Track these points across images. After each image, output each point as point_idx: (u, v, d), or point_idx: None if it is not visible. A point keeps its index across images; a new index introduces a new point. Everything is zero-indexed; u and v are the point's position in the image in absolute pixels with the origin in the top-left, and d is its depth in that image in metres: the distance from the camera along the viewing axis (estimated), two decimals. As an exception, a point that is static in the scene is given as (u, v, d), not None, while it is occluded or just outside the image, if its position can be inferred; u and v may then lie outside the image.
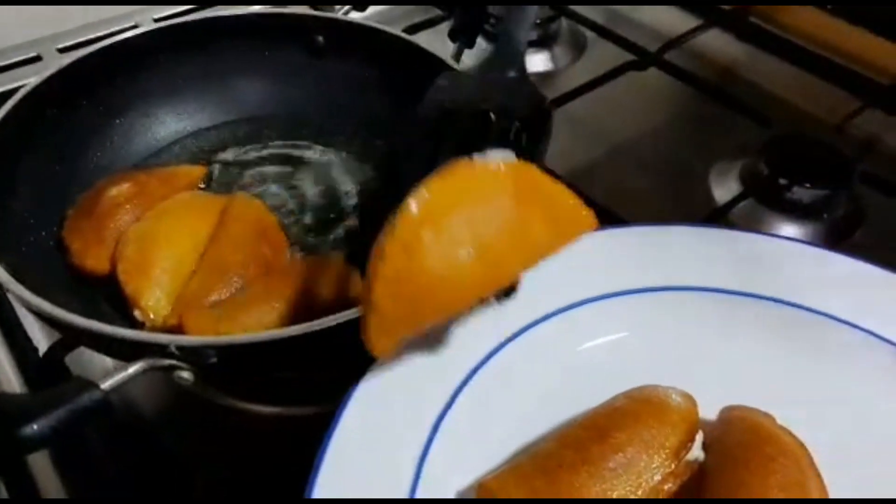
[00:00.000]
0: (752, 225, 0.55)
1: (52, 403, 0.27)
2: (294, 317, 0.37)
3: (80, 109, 0.48)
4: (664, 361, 0.38)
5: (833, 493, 0.32)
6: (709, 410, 0.35)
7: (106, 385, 0.29)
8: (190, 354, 0.32)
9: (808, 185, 0.55)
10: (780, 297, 0.40)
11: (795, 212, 0.55)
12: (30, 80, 0.60)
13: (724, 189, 0.58)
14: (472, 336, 0.36)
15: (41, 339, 0.44)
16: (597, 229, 0.37)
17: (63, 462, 0.39)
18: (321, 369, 0.39)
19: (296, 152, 0.52)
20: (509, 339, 0.37)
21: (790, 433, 0.34)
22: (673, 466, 0.32)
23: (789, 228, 0.55)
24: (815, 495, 0.31)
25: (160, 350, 0.31)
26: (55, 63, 0.60)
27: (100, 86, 0.49)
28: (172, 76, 0.52)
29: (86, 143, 0.48)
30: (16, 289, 0.33)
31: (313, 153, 0.52)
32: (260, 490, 0.39)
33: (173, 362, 0.32)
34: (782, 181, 0.55)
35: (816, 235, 0.55)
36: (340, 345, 0.34)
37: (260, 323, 0.36)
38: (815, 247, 0.44)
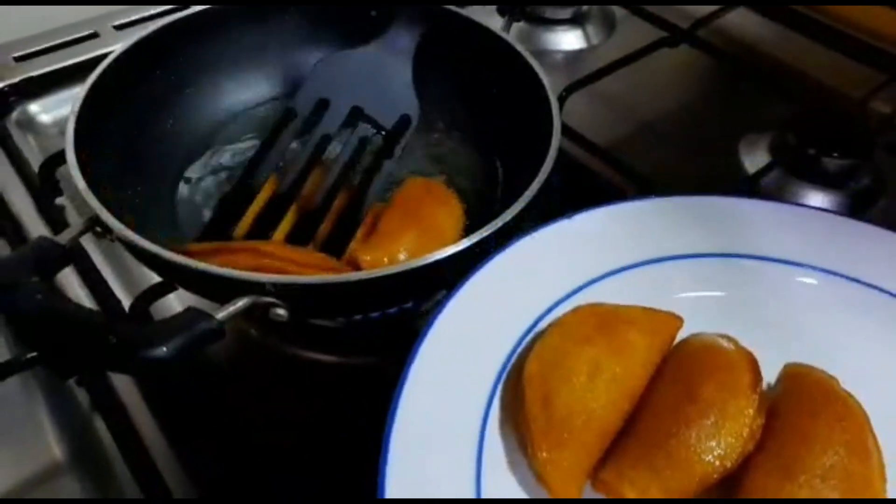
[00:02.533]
0: (780, 194, 0.57)
1: (175, 330, 0.31)
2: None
3: (153, 80, 0.51)
4: (725, 323, 0.39)
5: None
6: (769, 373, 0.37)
7: (220, 315, 0.32)
8: (283, 291, 0.35)
9: (835, 155, 0.57)
10: (834, 270, 0.42)
11: (822, 181, 0.57)
12: (89, 55, 0.65)
13: (753, 160, 0.60)
14: (545, 283, 0.39)
15: (122, 294, 0.47)
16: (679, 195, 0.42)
17: (150, 395, 0.42)
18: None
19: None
20: (578, 289, 0.40)
21: (853, 397, 0.35)
22: (756, 401, 0.34)
23: (816, 197, 0.57)
24: (875, 463, 0.33)
25: (258, 289, 0.35)
26: (112, 40, 0.64)
27: (171, 58, 0.51)
28: (236, 49, 0.54)
29: (160, 111, 0.51)
30: (131, 236, 0.36)
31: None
32: (320, 436, 0.42)
33: (271, 300, 0.35)
34: (811, 151, 0.57)
35: (842, 204, 0.57)
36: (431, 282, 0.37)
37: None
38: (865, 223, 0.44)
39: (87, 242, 0.49)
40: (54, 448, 0.42)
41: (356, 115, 0.48)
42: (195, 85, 0.53)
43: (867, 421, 0.34)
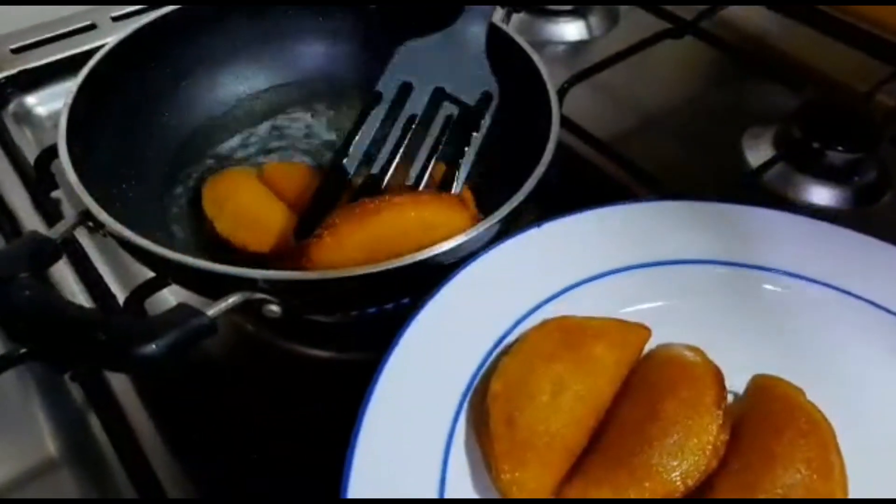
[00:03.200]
0: (784, 188, 0.57)
1: (164, 327, 0.30)
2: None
3: (149, 72, 0.50)
4: (694, 331, 0.39)
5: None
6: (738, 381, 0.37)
7: (211, 312, 0.32)
8: (275, 288, 0.35)
9: (840, 148, 0.56)
10: (805, 275, 0.41)
11: (826, 176, 0.57)
12: (86, 46, 0.64)
13: (757, 153, 0.60)
14: (511, 296, 0.39)
15: (117, 289, 0.47)
16: (636, 201, 0.42)
17: (145, 392, 0.42)
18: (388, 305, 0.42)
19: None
20: (545, 301, 0.39)
21: (818, 409, 0.35)
22: (720, 418, 0.34)
23: (820, 191, 0.57)
24: (837, 477, 0.33)
25: (251, 285, 0.34)
26: (110, 31, 0.64)
27: (167, 49, 0.51)
28: (232, 40, 0.54)
29: (156, 103, 0.50)
30: (122, 230, 0.36)
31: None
32: (313, 427, 0.41)
33: (264, 296, 0.34)
34: (815, 145, 0.57)
35: (846, 199, 0.57)
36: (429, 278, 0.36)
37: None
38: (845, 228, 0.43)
39: (83, 237, 0.49)
40: (49, 443, 0.42)
41: (439, 96, 0.48)
42: (191, 77, 0.52)
43: (832, 435, 0.34)
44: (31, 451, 0.41)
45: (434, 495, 0.32)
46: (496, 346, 0.37)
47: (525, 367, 0.35)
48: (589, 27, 0.73)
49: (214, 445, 0.41)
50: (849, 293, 0.40)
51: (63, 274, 0.48)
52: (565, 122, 0.58)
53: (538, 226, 0.41)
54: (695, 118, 0.64)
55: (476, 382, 0.36)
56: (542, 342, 0.37)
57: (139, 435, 0.40)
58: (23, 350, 0.40)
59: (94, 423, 0.41)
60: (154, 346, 0.29)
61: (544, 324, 0.38)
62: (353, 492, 0.30)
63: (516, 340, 0.37)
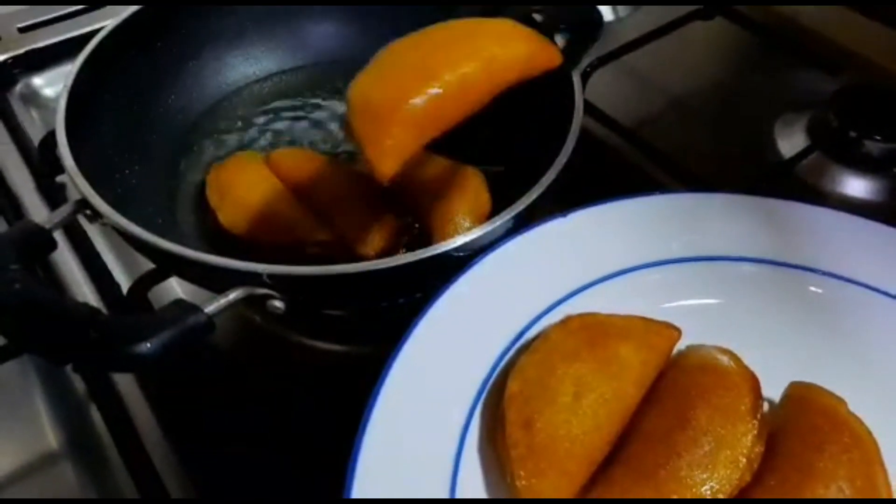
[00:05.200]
0: (818, 179, 0.54)
1: (161, 325, 0.29)
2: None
3: (155, 51, 0.49)
4: (727, 333, 0.37)
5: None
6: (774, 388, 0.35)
7: (209, 309, 0.30)
8: (280, 283, 0.33)
9: (878, 137, 0.54)
10: (849, 277, 0.39)
11: (864, 166, 0.54)
12: (95, 25, 0.62)
13: (789, 142, 0.57)
14: (531, 290, 0.37)
15: (121, 279, 0.46)
16: (668, 192, 0.39)
17: (147, 384, 0.41)
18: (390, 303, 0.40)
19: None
20: (568, 296, 0.37)
21: (862, 422, 0.33)
22: (755, 427, 0.32)
23: (857, 183, 0.54)
24: (882, 495, 0.31)
25: (254, 279, 0.33)
26: (121, 9, 0.62)
27: (173, 29, 0.49)
28: (242, 21, 0.52)
29: (161, 84, 0.49)
30: (123, 222, 0.34)
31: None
32: (321, 423, 0.40)
33: (267, 291, 0.33)
34: (852, 134, 0.54)
35: (885, 191, 0.54)
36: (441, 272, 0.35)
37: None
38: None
39: (87, 224, 0.48)
40: (49, 434, 0.41)
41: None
42: (198, 58, 0.51)
43: (877, 452, 0.32)
44: (31, 442, 0.41)
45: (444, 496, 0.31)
46: (514, 342, 0.35)
47: (545, 367, 0.33)
48: (615, 8, 0.70)
49: (217, 439, 0.40)
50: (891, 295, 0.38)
51: (67, 263, 0.47)
52: (588, 107, 0.56)
53: (563, 215, 0.38)
54: (725, 104, 0.62)
55: (492, 381, 0.34)
56: (564, 340, 0.35)
57: (140, 427, 0.39)
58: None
59: (95, 414, 0.40)
60: (148, 344, 0.28)
61: (566, 321, 0.36)
62: (357, 492, 0.29)
63: (536, 338, 0.36)
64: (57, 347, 0.29)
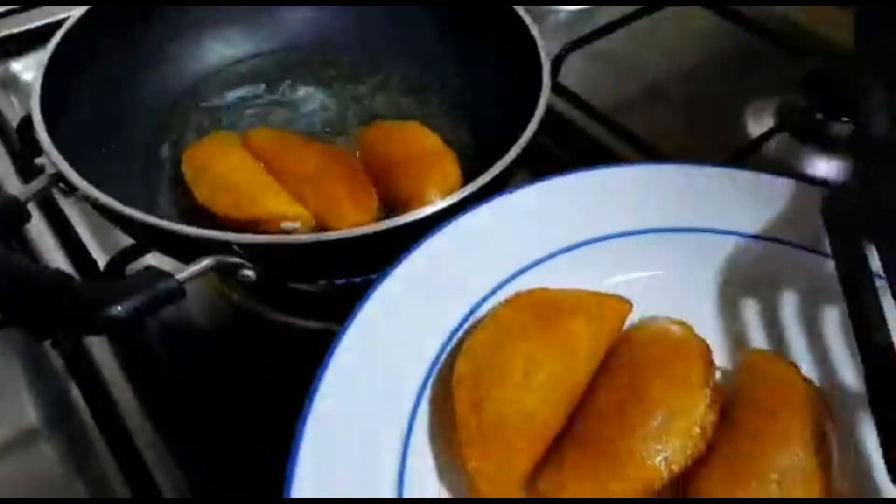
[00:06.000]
0: (785, 159, 0.55)
1: (132, 290, 0.30)
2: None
3: (133, 34, 0.49)
4: (679, 305, 0.37)
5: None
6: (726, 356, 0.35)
7: (181, 276, 0.31)
8: (249, 252, 0.34)
9: (844, 119, 0.55)
10: (799, 244, 0.39)
11: (830, 147, 0.55)
12: (76, 10, 0.63)
13: (759, 124, 0.58)
14: (482, 267, 0.36)
15: (98, 256, 0.46)
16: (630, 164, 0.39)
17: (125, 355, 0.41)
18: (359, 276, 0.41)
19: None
20: (518, 273, 0.37)
21: (814, 385, 0.34)
22: (708, 397, 0.32)
23: (824, 164, 0.55)
24: (834, 451, 0.31)
25: (224, 248, 0.33)
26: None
27: (151, 12, 0.50)
28: (220, 5, 0.53)
29: (139, 66, 0.49)
30: (96, 194, 0.35)
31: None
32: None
33: (237, 260, 0.34)
34: (819, 116, 0.55)
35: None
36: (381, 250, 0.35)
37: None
38: None
39: (68, 206, 0.48)
40: (30, 411, 0.42)
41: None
42: (177, 40, 0.52)
43: (828, 414, 0.33)
44: (12, 419, 0.41)
45: (393, 483, 0.30)
46: (464, 321, 0.35)
47: (494, 346, 0.33)
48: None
49: (195, 415, 0.40)
50: None
51: (44, 241, 0.47)
52: (563, 91, 0.57)
53: (510, 192, 0.38)
54: (698, 88, 0.63)
55: (442, 361, 0.34)
56: (513, 318, 0.34)
57: (119, 403, 0.40)
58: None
59: (75, 391, 0.41)
60: (119, 307, 0.28)
61: (515, 297, 0.35)
62: (300, 478, 0.28)
63: (484, 317, 0.35)
64: (31, 312, 0.29)
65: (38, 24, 0.62)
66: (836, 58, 0.64)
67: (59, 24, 0.60)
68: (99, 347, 0.42)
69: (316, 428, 0.29)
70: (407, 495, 0.30)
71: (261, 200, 0.42)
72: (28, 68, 0.62)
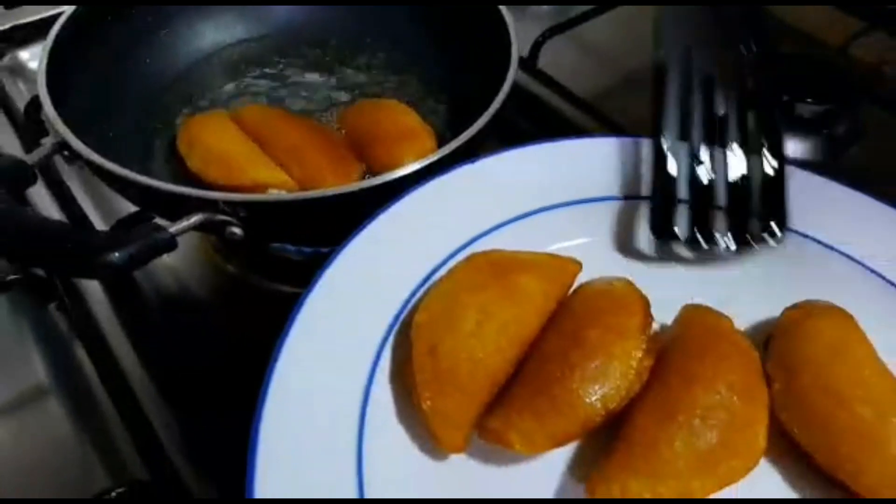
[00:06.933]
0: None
1: (130, 239, 0.33)
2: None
3: (129, 19, 0.52)
4: (626, 266, 0.39)
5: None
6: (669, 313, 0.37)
7: (173, 229, 0.34)
8: (234, 209, 0.37)
9: (809, 100, 0.57)
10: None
11: (796, 127, 0.57)
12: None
13: (729, 107, 0.61)
14: (429, 240, 0.38)
15: (97, 221, 0.49)
16: (566, 139, 0.42)
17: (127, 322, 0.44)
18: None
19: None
20: (477, 238, 0.39)
21: (744, 336, 0.36)
22: (644, 343, 0.34)
23: (791, 144, 0.56)
24: (759, 399, 0.33)
25: (212, 206, 0.37)
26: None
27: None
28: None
29: (136, 49, 0.52)
30: (98, 159, 0.38)
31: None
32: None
33: (223, 217, 0.37)
34: (785, 97, 0.57)
35: (816, 150, 0.57)
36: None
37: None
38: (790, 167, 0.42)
39: (71, 179, 0.51)
40: (39, 370, 0.44)
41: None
42: (170, 25, 0.54)
43: (755, 361, 0.34)
44: (21, 377, 0.44)
45: (355, 423, 0.32)
46: (425, 281, 0.37)
47: (450, 298, 0.35)
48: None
49: (193, 372, 0.43)
50: (803, 235, 0.41)
51: (45, 205, 0.49)
52: (540, 75, 0.60)
53: (472, 162, 0.40)
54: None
55: (402, 317, 0.36)
56: (469, 274, 0.36)
57: (120, 362, 0.42)
58: (10, 277, 0.43)
59: (80, 351, 0.44)
60: (116, 254, 0.32)
61: (473, 256, 0.37)
62: (266, 421, 0.30)
63: (445, 274, 0.37)
64: (37, 256, 0.32)
65: (44, 15, 0.65)
66: (803, 46, 0.67)
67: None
68: (101, 309, 0.44)
69: (283, 373, 0.31)
70: (368, 434, 0.32)
71: (248, 169, 0.45)
72: (34, 56, 0.64)
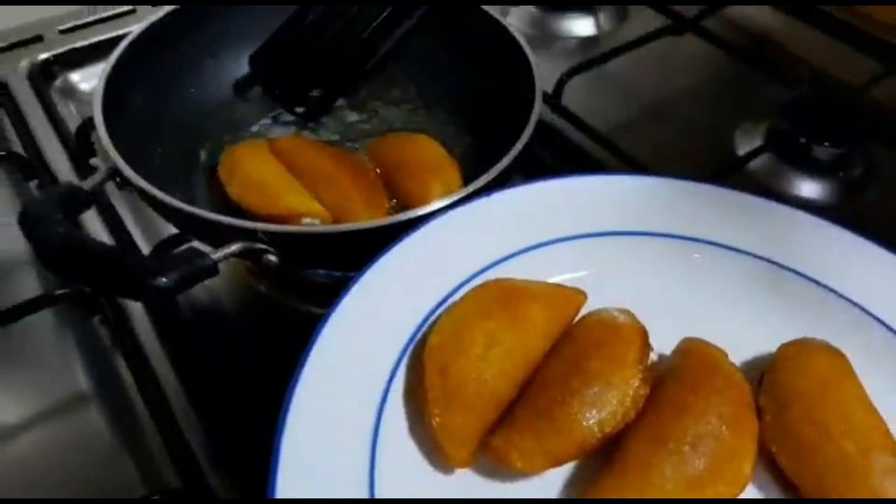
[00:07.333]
0: (770, 179, 0.59)
1: (176, 264, 0.35)
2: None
3: (179, 49, 0.55)
4: (629, 299, 0.40)
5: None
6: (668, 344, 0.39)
7: (215, 256, 0.37)
8: (272, 238, 0.39)
9: (827, 144, 0.59)
10: (749, 250, 0.43)
11: (813, 169, 0.59)
12: (126, 29, 0.69)
13: (748, 145, 0.62)
14: (445, 267, 0.40)
15: (141, 243, 0.52)
16: (579, 174, 0.44)
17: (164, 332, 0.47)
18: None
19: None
20: (489, 266, 0.41)
21: (737, 370, 0.37)
22: (641, 372, 0.36)
23: (807, 185, 0.59)
24: (748, 430, 0.35)
25: (251, 235, 0.39)
26: (149, 15, 0.69)
27: (196, 30, 0.56)
28: (257, 25, 0.58)
29: (183, 78, 0.56)
30: (148, 188, 0.41)
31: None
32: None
33: (262, 246, 0.39)
34: (802, 140, 0.59)
35: (832, 192, 0.59)
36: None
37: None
38: (792, 208, 0.44)
39: (117, 200, 0.55)
40: (80, 379, 0.47)
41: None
42: (216, 57, 0.58)
43: (747, 394, 0.36)
44: (64, 383, 0.46)
45: (369, 436, 0.34)
46: (439, 305, 0.39)
47: (461, 323, 0.37)
48: (598, 24, 0.76)
49: (224, 385, 0.45)
50: (776, 263, 0.43)
51: (96, 231, 0.53)
52: (563, 111, 0.62)
53: (488, 195, 0.43)
54: (691, 112, 0.67)
55: (418, 337, 0.38)
56: (480, 301, 0.38)
57: (158, 373, 0.45)
58: (59, 291, 0.46)
59: (120, 362, 0.46)
60: (165, 278, 0.34)
61: (484, 284, 0.39)
62: (289, 434, 0.32)
63: (457, 300, 0.39)
64: (92, 278, 0.35)
65: (95, 39, 0.70)
66: (823, 85, 0.68)
67: (113, 40, 0.68)
68: (141, 324, 0.47)
69: (305, 388, 0.34)
70: (381, 449, 0.34)
71: (284, 198, 0.47)
72: (84, 79, 0.69)
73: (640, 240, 0.43)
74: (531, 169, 0.48)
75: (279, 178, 0.49)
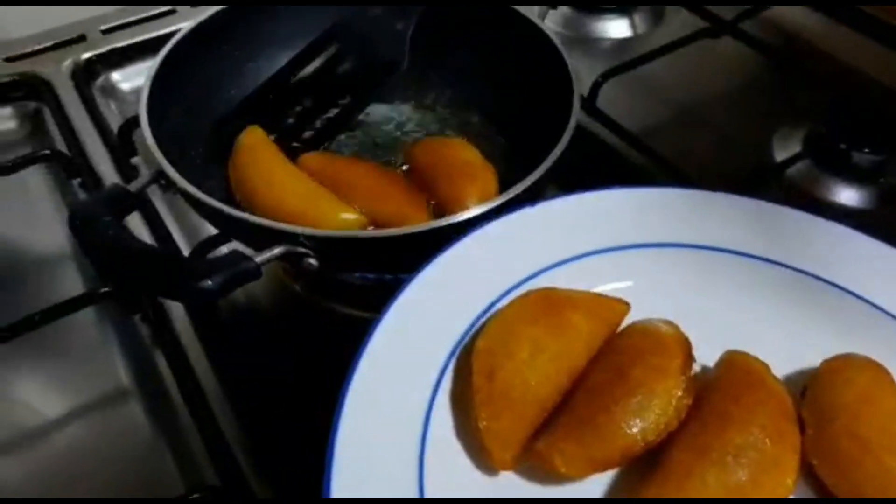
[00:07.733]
0: (807, 187, 0.58)
1: (222, 266, 0.36)
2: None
3: (220, 52, 0.56)
4: (673, 309, 0.41)
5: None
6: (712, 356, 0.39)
7: (258, 259, 0.38)
8: (313, 242, 0.40)
9: (867, 150, 0.58)
10: (792, 265, 0.43)
11: (852, 176, 0.58)
12: (167, 29, 0.71)
13: (785, 151, 0.61)
14: (492, 275, 0.41)
15: (182, 243, 0.53)
16: (624, 187, 0.44)
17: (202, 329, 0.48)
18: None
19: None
20: (534, 275, 0.42)
21: (780, 382, 0.38)
22: (684, 383, 0.36)
23: (847, 192, 0.58)
24: (790, 442, 0.35)
25: (293, 239, 0.40)
26: (188, 15, 0.70)
27: (235, 34, 0.57)
28: (292, 29, 0.59)
29: (224, 79, 0.56)
30: (191, 189, 0.42)
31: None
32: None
33: (303, 249, 0.40)
34: (842, 146, 0.58)
35: (871, 199, 0.58)
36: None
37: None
38: (835, 223, 0.44)
39: (157, 199, 0.55)
40: (121, 374, 0.48)
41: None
42: (256, 60, 0.58)
43: (790, 406, 0.36)
44: (106, 379, 0.47)
45: (418, 438, 0.35)
46: (486, 311, 0.40)
47: (507, 329, 0.38)
48: (633, 25, 0.76)
49: (261, 380, 0.46)
50: (819, 278, 0.43)
51: (138, 230, 0.53)
52: (598, 114, 0.61)
53: (532, 205, 0.43)
54: (728, 116, 0.66)
55: (465, 342, 0.39)
56: (526, 308, 0.39)
57: (197, 371, 0.46)
58: (103, 289, 0.47)
59: (160, 358, 0.47)
60: (210, 281, 0.35)
61: (529, 293, 0.40)
62: (342, 432, 0.33)
63: (504, 306, 0.40)
64: (140, 281, 0.36)
65: (136, 40, 0.71)
66: (863, 89, 0.67)
67: (154, 40, 0.70)
68: (181, 321, 0.48)
69: (357, 390, 0.34)
70: (430, 451, 0.35)
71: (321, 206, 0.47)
72: (125, 78, 0.70)
73: (683, 252, 0.44)
74: (565, 172, 0.48)
75: (315, 188, 0.49)
